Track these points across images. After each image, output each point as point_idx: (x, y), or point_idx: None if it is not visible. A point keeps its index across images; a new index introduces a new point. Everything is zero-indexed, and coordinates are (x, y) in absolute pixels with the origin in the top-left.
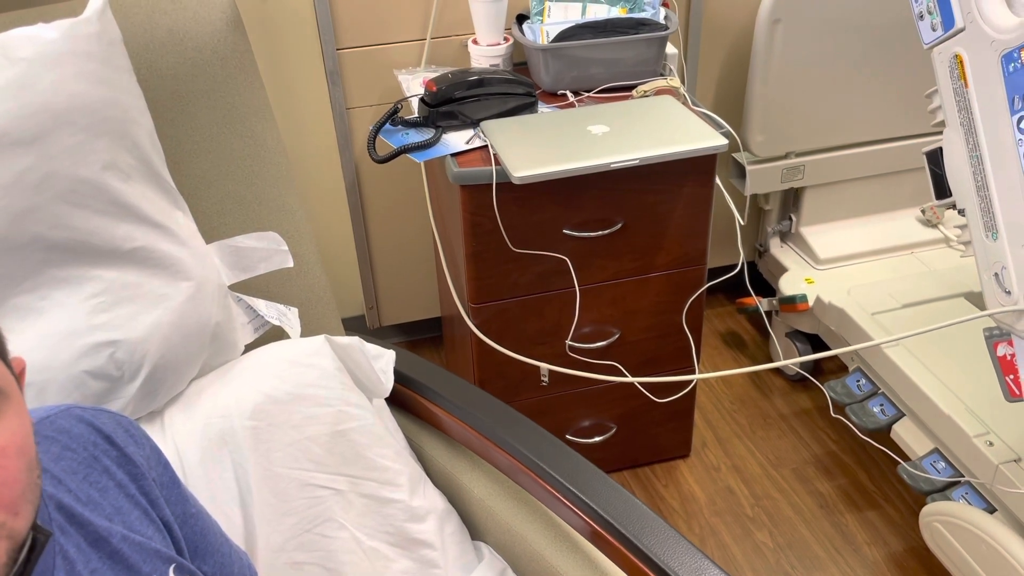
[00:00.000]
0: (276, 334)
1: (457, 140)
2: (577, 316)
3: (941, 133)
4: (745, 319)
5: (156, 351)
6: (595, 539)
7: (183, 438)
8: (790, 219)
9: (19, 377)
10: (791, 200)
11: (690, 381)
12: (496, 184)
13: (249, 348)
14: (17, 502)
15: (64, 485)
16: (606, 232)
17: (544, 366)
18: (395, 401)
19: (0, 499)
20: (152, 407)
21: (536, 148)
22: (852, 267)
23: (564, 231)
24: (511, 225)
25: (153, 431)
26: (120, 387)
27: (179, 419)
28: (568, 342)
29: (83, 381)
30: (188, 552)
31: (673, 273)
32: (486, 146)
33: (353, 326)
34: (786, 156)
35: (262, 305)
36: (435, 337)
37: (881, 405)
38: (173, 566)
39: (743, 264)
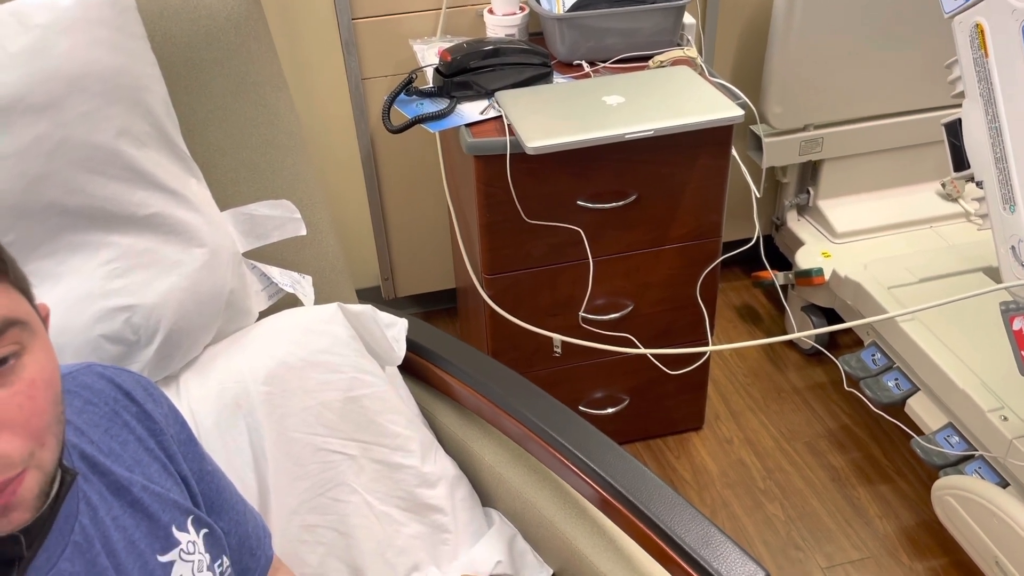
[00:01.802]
0: (290, 301)
1: (471, 110)
2: (590, 288)
3: (960, 105)
4: (760, 293)
5: (171, 316)
6: (604, 507)
7: (198, 402)
8: (807, 192)
9: (44, 320)
10: (809, 173)
11: (703, 353)
12: (510, 155)
13: (263, 315)
14: (44, 433)
15: (86, 436)
16: (620, 204)
17: (557, 337)
18: (408, 369)
19: (30, 429)
20: (168, 371)
21: (551, 119)
22: (869, 241)
23: (578, 202)
24: (525, 196)
25: (169, 394)
26: (136, 351)
27: (194, 383)
28: (581, 314)
29: (99, 345)
30: (204, 507)
31: (688, 246)
32: (500, 116)
33: (369, 297)
34: (804, 128)
35: (276, 272)
36: (450, 308)
37: (896, 379)
38: (191, 517)
39: (759, 237)
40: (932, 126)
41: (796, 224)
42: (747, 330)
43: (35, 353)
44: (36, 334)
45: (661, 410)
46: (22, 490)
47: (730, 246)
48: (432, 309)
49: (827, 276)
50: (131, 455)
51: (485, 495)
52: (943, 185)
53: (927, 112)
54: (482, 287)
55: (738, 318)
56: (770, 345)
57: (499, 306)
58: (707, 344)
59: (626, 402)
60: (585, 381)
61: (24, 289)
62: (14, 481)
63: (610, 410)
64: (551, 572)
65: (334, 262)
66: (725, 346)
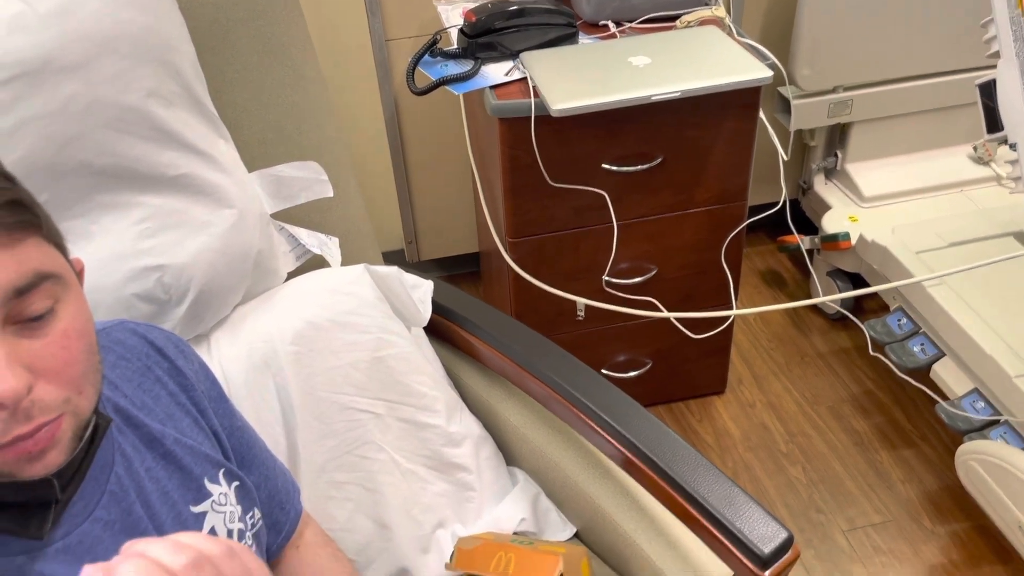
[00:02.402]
0: (317, 263)
1: (496, 72)
2: (614, 252)
3: (995, 66)
4: (786, 257)
5: (201, 276)
6: (627, 467)
7: (228, 361)
8: (835, 155)
9: (79, 275)
10: (837, 136)
11: (727, 318)
12: (535, 117)
13: (291, 276)
14: (80, 381)
15: (120, 390)
16: (645, 167)
17: (581, 300)
18: (433, 331)
19: (65, 377)
20: (198, 330)
21: (576, 80)
22: (898, 205)
23: (603, 165)
24: (549, 159)
25: (200, 353)
26: (167, 310)
27: (224, 342)
28: (605, 277)
29: (131, 304)
30: (235, 462)
31: (713, 209)
32: (525, 78)
33: (392, 260)
34: (834, 90)
35: (303, 234)
36: (473, 272)
37: (921, 344)
38: (222, 470)
39: (785, 201)
40: (965, 87)
41: (823, 188)
42: (772, 295)
43: (69, 305)
44: (70, 287)
45: (683, 374)
46: (58, 434)
47: (755, 210)
48: (455, 273)
49: (854, 240)
50: (163, 409)
51: (509, 455)
52: (975, 148)
53: (960, 73)
54: (506, 251)
55: (763, 283)
56: (795, 310)
57: (523, 270)
58: (731, 308)
59: (648, 366)
60: (608, 345)
61: (58, 243)
62: (50, 426)
63: (632, 373)
64: (574, 530)
65: (360, 224)
66: (749, 310)
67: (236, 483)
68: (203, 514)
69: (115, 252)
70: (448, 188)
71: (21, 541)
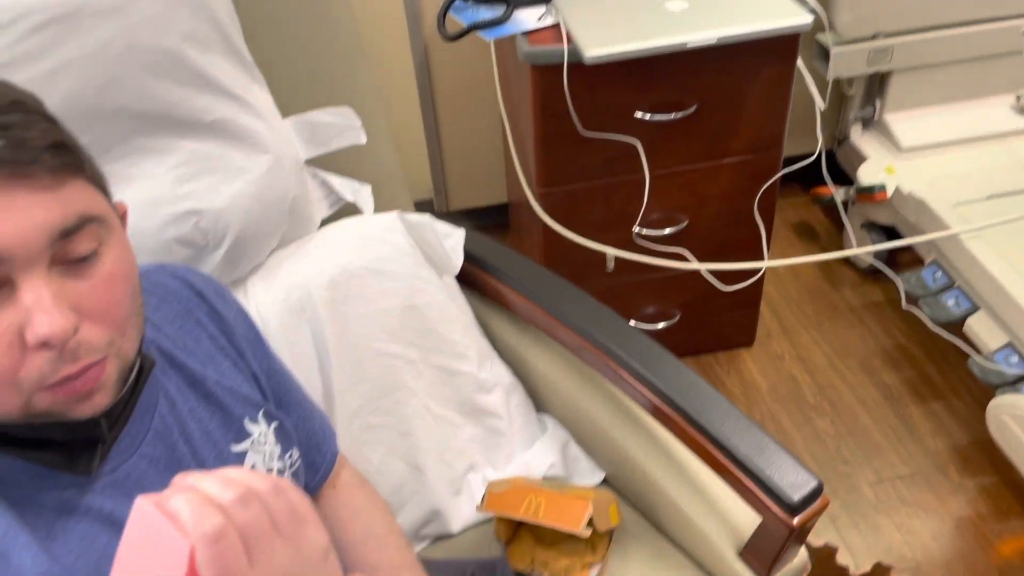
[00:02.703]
0: (350, 210)
1: (528, 17)
2: (646, 202)
3: None
4: (819, 210)
5: (238, 222)
6: (657, 415)
7: (265, 306)
8: (873, 105)
9: (122, 218)
10: (876, 85)
11: (758, 270)
12: (567, 64)
13: (324, 223)
14: (124, 324)
15: (162, 332)
16: (679, 115)
17: (611, 251)
18: (463, 279)
19: (110, 319)
20: (235, 276)
21: (610, 26)
22: (936, 156)
23: (636, 114)
24: (582, 107)
25: (237, 297)
26: (205, 255)
27: (260, 288)
28: (635, 229)
29: (170, 248)
30: (273, 404)
31: (747, 160)
32: (558, 24)
33: (421, 210)
34: (874, 37)
35: (336, 181)
36: (502, 223)
37: (956, 298)
38: (262, 411)
39: (821, 151)
40: (1009, 35)
41: (860, 138)
42: (804, 248)
43: (113, 248)
44: (113, 230)
45: (712, 326)
46: (103, 376)
47: (789, 161)
48: (484, 224)
49: (890, 192)
50: (204, 351)
51: (539, 402)
52: (1018, 98)
53: (1004, 20)
54: (536, 201)
55: (795, 235)
56: (826, 263)
57: (553, 220)
58: (763, 261)
59: (677, 317)
60: (637, 296)
61: (102, 186)
62: (96, 367)
63: (661, 325)
64: (603, 476)
65: (392, 172)
66: (781, 261)
67: (275, 424)
68: (244, 453)
69: (154, 196)
70: (478, 137)
71: (71, 476)
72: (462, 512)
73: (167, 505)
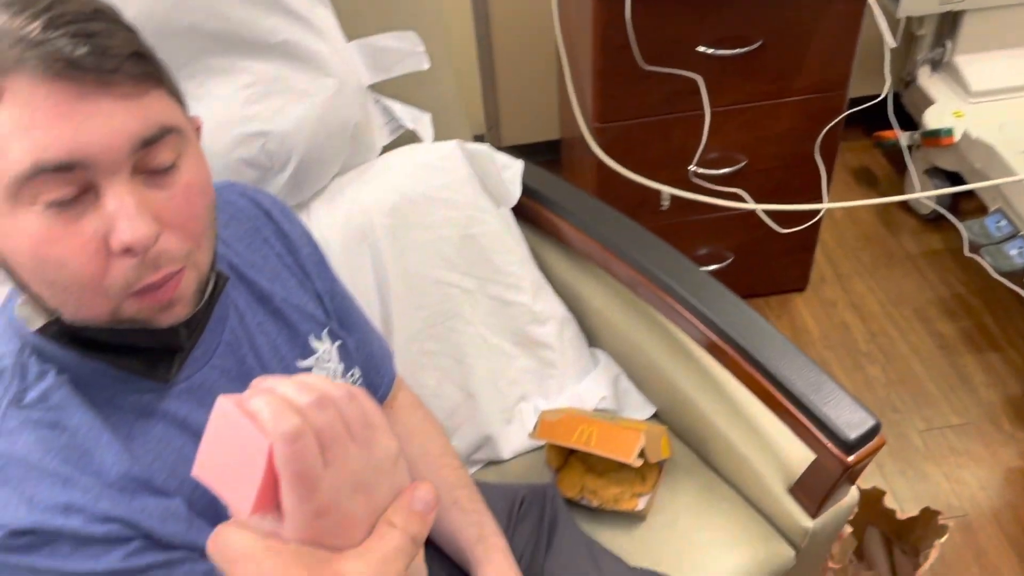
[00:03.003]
0: (409, 138)
1: None
2: (704, 140)
3: None
4: (880, 154)
5: (303, 145)
6: (713, 351)
7: (326, 230)
8: (943, 46)
9: (196, 132)
10: (947, 25)
11: (816, 212)
12: None
13: (385, 150)
14: (200, 236)
15: (232, 248)
16: (743, 51)
17: (667, 190)
18: (519, 212)
19: (187, 231)
20: (298, 200)
21: None
22: (1008, 101)
23: (698, 48)
24: (643, 40)
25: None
26: (270, 177)
27: (323, 212)
28: (692, 168)
29: (237, 169)
30: (336, 324)
31: (811, 99)
32: None
33: None
34: None
35: (398, 108)
36: (553, 161)
37: (1020, 248)
38: (326, 329)
39: (889, 92)
40: None
41: (928, 81)
42: (863, 193)
43: (190, 160)
44: (191, 143)
45: (765, 270)
46: (182, 286)
47: (854, 103)
48: (535, 161)
49: (957, 137)
50: (271, 268)
51: (592, 336)
52: None
53: None
54: (591, 137)
55: (854, 180)
56: (886, 210)
57: (608, 157)
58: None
59: (730, 260)
60: (690, 237)
61: (179, 99)
62: (175, 276)
63: (713, 267)
64: (653, 411)
65: (451, 102)
66: (842, 203)
67: (338, 342)
68: (308, 369)
69: (222, 117)
70: (533, 71)
71: (149, 381)
72: (512, 440)
73: (247, 405)
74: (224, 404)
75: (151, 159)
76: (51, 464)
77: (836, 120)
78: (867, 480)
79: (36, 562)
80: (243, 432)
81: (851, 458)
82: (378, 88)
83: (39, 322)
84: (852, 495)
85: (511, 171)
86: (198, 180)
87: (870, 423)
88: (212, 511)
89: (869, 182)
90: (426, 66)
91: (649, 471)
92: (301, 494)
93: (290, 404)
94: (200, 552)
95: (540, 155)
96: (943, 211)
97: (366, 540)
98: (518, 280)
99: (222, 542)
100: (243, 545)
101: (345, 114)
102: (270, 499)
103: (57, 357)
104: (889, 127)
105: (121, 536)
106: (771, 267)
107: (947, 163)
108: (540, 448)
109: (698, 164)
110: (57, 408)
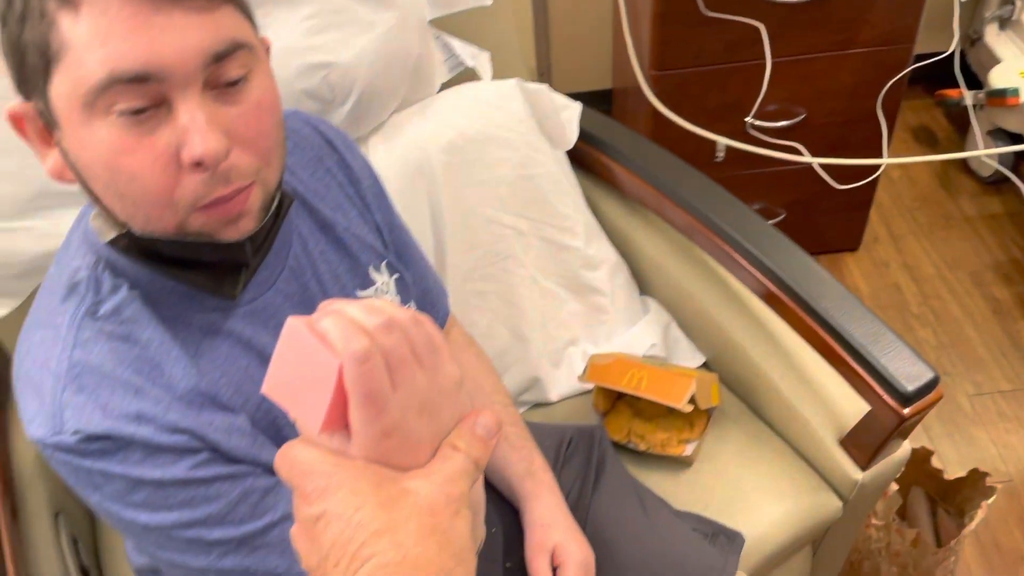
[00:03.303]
0: (468, 76)
1: None
2: (764, 91)
3: None
4: (942, 114)
5: (364, 77)
6: (769, 300)
7: (384, 166)
8: (1012, 3)
9: (266, 52)
10: None
11: (874, 168)
12: None
13: (444, 87)
14: (269, 154)
15: (296, 175)
16: None
17: (723, 141)
18: (574, 156)
19: (257, 148)
20: (357, 134)
21: None
22: None
23: None
24: None
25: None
26: (331, 110)
27: (381, 148)
28: (749, 119)
29: (299, 100)
30: (394, 257)
31: (876, 51)
32: None
33: None
34: None
35: (457, 44)
36: (604, 111)
37: None
38: (384, 262)
39: (956, 48)
40: None
41: (995, 39)
42: (922, 153)
43: (260, 77)
44: (260, 60)
45: (818, 227)
46: (251, 201)
47: (919, 59)
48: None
49: (1023, 97)
50: (334, 198)
51: (643, 284)
52: None
53: None
54: (647, 85)
55: (913, 139)
56: (944, 170)
57: (663, 106)
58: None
59: (782, 216)
60: (743, 192)
61: (249, 16)
62: (244, 191)
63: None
64: (703, 360)
65: (510, 42)
66: (903, 159)
67: (396, 275)
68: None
69: (286, 46)
70: (587, 17)
71: (216, 299)
72: (560, 383)
73: (317, 326)
74: (294, 324)
75: (222, 73)
76: (124, 374)
77: (901, 74)
78: (913, 442)
79: (108, 467)
80: (313, 352)
81: (907, 410)
82: (438, 24)
83: (111, 234)
84: (903, 449)
85: (569, 112)
86: (267, 98)
87: (929, 375)
88: (274, 430)
89: (929, 142)
90: (488, 2)
91: (697, 418)
92: (369, 414)
93: (359, 326)
94: (263, 468)
95: (591, 104)
96: (1007, 171)
97: (430, 462)
98: (572, 224)
99: (291, 458)
100: (311, 460)
101: (406, 47)
102: (339, 418)
103: (129, 272)
104: (951, 85)
105: (189, 447)
106: (824, 225)
107: (1012, 124)
108: (587, 392)
109: (755, 116)
110: (129, 321)
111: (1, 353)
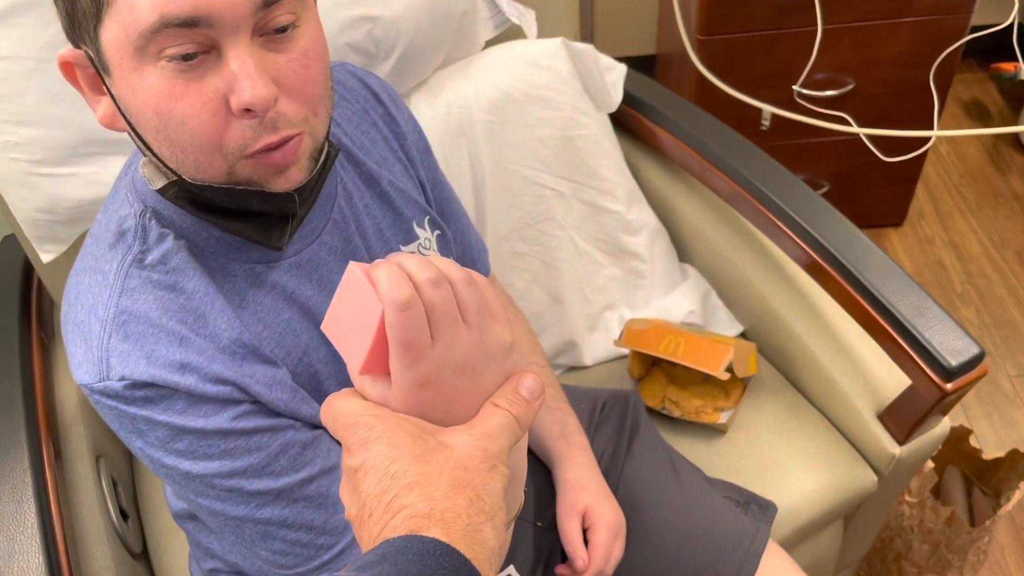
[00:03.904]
0: (513, 34)
1: None
2: (813, 59)
3: None
4: (995, 88)
5: (408, 32)
6: (812, 270)
7: (426, 123)
8: None
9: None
10: None
11: (923, 141)
12: None
13: (488, 45)
14: (317, 103)
15: (342, 128)
16: None
17: (769, 109)
18: (617, 120)
19: (305, 96)
20: (400, 90)
21: None
22: None
23: None
24: None
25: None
26: (375, 64)
27: (424, 105)
28: (796, 88)
29: (344, 54)
30: (436, 213)
31: (931, 20)
32: None
33: None
34: None
35: (503, 1)
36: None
37: None
38: (428, 217)
39: (1016, 19)
40: None
41: None
42: (973, 128)
43: (308, 25)
44: (309, 8)
45: (862, 201)
46: (299, 150)
47: (974, 30)
48: None
49: None
50: (379, 152)
51: (683, 251)
52: None
53: None
54: (693, 50)
55: (963, 114)
56: (996, 146)
57: (709, 72)
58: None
59: (825, 188)
60: (787, 161)
61: None
62: (293, 140)
63: None
64: (741, 329)
65: (555, 1)
66: (955, 132)
67: (438, 232)
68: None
69: (331, 0)
70: None
71: (261, 250)
72: (596, 347)
73: (373, 272)
74: (354, 268)
75: (271, 19)
76: (169, 324)
77: (956, 45)
78: (951, 421)
79: (153, 414)
80: (364, 296)
81: (950, 385)
82: None
83: (160, 183)
84: (943, 426)
85: (614, 74)
86: (315, 46)
87: (974, 351)
88: (314, 383)
89: (981, 117)
90: None
91: (733, 386)
92: (405, 361)
93: (407, 276)
94: (302, 422)
95: (634, 70)
96: None
97: (472, 419)
98: (613, 187)
99: (333, 408)
100: (354, 412)
101: (452, 3)
102: (379, 361)
103: (175, 222)
104: (1006, 59)
105: (232, 398)
106: (868, 198)
107: None
108: (622, 357)
109: (803, 85)
110: (175, 271)
111: (48, 297)
